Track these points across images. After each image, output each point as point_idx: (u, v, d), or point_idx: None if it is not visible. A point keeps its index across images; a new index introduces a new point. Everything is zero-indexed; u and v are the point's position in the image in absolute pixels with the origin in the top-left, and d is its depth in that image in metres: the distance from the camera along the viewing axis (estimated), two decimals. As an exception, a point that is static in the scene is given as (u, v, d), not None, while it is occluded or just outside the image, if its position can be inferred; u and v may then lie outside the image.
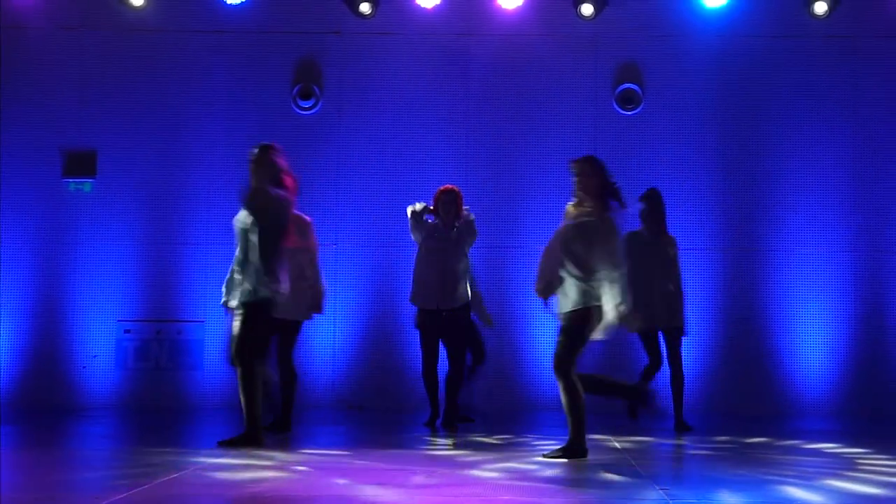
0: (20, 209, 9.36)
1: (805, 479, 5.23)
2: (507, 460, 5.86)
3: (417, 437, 7.07)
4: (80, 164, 9.42)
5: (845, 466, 5.76)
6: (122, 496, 4.60)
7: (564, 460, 5.79)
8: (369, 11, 9.27)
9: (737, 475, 5.39)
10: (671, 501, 4.57)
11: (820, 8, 9.15)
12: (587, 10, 9.27)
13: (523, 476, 5.31)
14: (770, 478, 5.30)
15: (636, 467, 5.66)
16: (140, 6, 9.33)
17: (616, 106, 9.40)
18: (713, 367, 9.10)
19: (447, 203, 7.59)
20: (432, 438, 6.98)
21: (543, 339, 8.82)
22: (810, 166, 9.30)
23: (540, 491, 4.94)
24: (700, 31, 9.38)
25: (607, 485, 5.16)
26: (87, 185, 9.46)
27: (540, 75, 9.44)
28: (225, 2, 9.29)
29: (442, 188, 7.71)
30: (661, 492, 4.81)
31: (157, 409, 8.99)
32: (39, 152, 9.40)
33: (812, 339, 9.15)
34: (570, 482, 5.26)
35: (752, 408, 8.97)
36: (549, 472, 5.42)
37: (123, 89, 9.45)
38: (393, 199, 9.26)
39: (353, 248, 9.33)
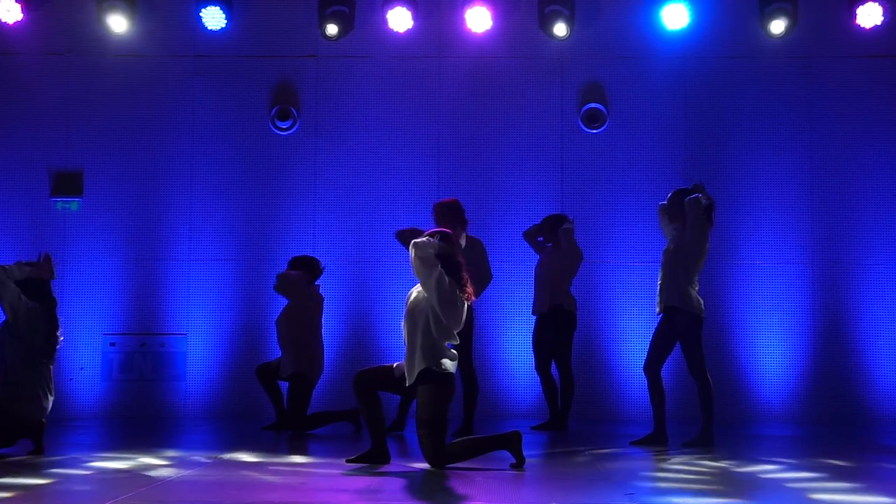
0: (9, 228, 9.68)
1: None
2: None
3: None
4: (67, 184, 9.74)
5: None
6: None
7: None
8: (335, 33, 9.56)
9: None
10: None
11: (776, 28, 9.40)
12: (560, 30, 9.55)
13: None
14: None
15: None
16: (123, 32, 9.65)
17: (581, 124, 9.73)
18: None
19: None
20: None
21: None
22: (769, 182, 9.58)
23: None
24: (662, 52, 9.67)
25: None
26: (74, 204, 9.80)
27: (508, 95, 9.75)
28: (206, 27, 9.62)
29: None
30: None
31: (142, 419, 9.28)
32: (28, 173, 9.73)
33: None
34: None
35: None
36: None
37: (108, 112, 9.78)
38: (367, 216, 9.64)
39: (329, 264, 9.63)
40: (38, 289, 6.88)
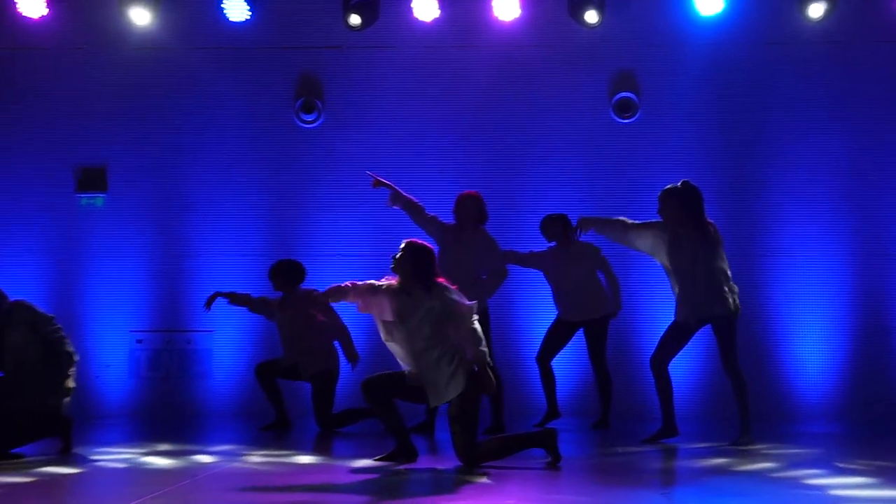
0: (34, 224, 9.70)
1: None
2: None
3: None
4: (92, 179, 9.74)
5: None
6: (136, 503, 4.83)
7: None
8: (359, 23, 9.45)
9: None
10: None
11: (815, 12, 9.19)
12: (592, 17, 9.38)
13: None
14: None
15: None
16: (146, 25, 9.61)
17: (613, 114, 9.53)
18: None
19: None
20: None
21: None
22: (805, 170, 9.39)
23: None
24: (695, 39, 9.47)
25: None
26: (98, 199, 9.78)
27: (537, 85, 9.60)
28: (228, 19, 9.55)
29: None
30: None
31: (169, 416, 9.29)
32: (52, 169, 9.73)
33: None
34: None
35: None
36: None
37: (131, 106, 9.74)
38: (392, 208, 9.49)
39: (355, 254, 9.55)
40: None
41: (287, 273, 8.41)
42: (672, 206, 7.19)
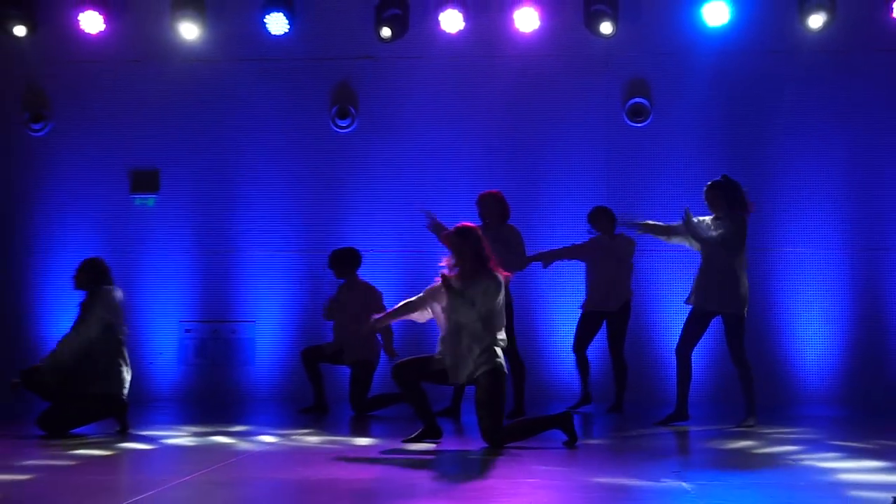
0: (92, 223, 10.32)
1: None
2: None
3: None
4: (145, 181, 10.35)
5: None
6: (184, 479, 5.28)
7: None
8: (389, 35, 9.96)
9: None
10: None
11: (815, 22, 9.59)
12: (606, 28, 9.86)
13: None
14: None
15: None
16: (194, 39, 10.23)
17: (626, 119, 10.13)
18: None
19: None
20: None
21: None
22: (808, 169, 9.87)
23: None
24: (703, 48, 9.96)
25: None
26: (150, 200, 10.41)
27: (556, 92, 10.12)
28: (269, 33, 10.11)
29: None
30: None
31: (214, 401, 9.85)
32: (109, 172, 10.35)
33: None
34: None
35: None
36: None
37: (182, 113, 10.34)
38: (422, 207, 10.12)
39: (387, 253, 10.14)
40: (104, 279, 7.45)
41: (344, 260, 8.96)
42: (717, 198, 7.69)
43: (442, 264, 6.68)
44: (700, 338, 7.78)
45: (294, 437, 7.16)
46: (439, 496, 4.95)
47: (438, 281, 6.63)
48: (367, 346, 8.80)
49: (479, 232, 6.68)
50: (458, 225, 6.71)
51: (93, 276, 7.41)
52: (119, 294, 7.44)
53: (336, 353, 8.94)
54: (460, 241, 6.58)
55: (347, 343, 8.83)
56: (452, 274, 6.63)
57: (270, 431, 7.48)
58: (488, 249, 6.63)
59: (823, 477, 5.42)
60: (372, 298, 8.79)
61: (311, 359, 8.98)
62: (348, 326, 8.76)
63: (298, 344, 9.89)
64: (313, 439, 7.02)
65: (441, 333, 6.70)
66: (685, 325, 7.77)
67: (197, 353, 10.26)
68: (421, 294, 6.78)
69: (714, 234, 7.60)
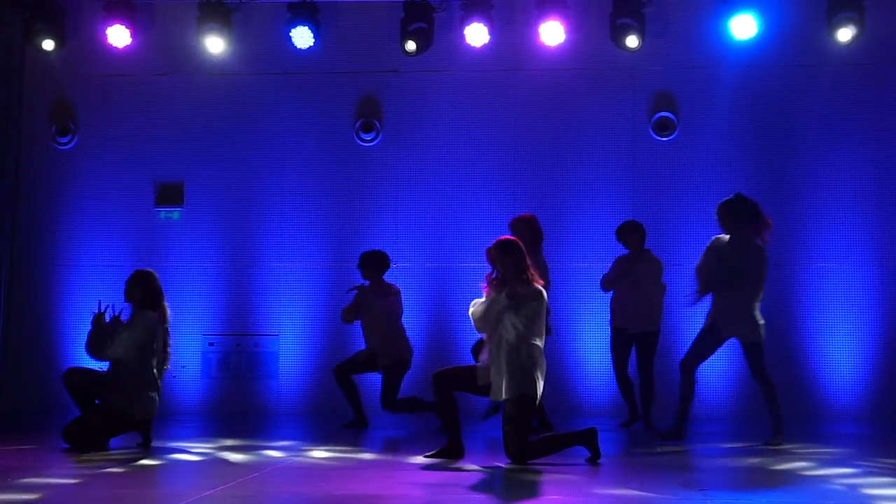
0: (118, 235, 10.41)
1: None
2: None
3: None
4: (170, 194, 10.45)
5: None
6: (206, 493, 5.28)
7: None
8: (414, 49, 9.99)
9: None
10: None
11: (843, 36, 9.55)
12: (632, 42, 9.83)
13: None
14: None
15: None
16: (220, 53, 10.31)
17: (652, 133, 10.08)
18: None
19: None
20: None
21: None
22: (836, 184, 9.81)
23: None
24: (730, 61, 9.92)
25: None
26: (175, 213, 10.50)
27: (581, 105, 10.12)
28: (295, 47, 10.17)
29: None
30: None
31: (237, 415, 9.86)
32: (134, 185, 10.45)
33: None
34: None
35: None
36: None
37: (206, 127, 10.43)
38: (446, 222, 10.15)
39: (411, 265, 10.13)
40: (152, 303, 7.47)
41: (374, 262, 8.97)
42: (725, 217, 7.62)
43: (483, 284, 6.63)
44: (707, 357, 7.68)
45: (315, 451, 7.16)
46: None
47: (486, 292, 6.57)
48: (398, 346, 8.83)
49: (521, 244, 6.65)
50: (500, 238, 6.69)
51: (142, 297, 7.43)
52: (163, 314, 7.45)
53: (368, 359, 8.88)
54: (502, 254, 6.55)
55: (380, 343, 8.81)
56: (493, 287, 6.59)
57: (291, 445, 7.49)
58: (529, 261, 6.61)
59: (850, 494, 5.38)
60: (395, 297, 8.84)
61: (345, 374, 8.91)
62: (378, 327, 8.79)
63: (322, 358, 9.93)
64: (334, 454, 7.01)
65: (487, 346, 6.61)
66: (695, 340, 7.68)
67: (220, 366, 10.30)
68: (481, 316, 6.59)
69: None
